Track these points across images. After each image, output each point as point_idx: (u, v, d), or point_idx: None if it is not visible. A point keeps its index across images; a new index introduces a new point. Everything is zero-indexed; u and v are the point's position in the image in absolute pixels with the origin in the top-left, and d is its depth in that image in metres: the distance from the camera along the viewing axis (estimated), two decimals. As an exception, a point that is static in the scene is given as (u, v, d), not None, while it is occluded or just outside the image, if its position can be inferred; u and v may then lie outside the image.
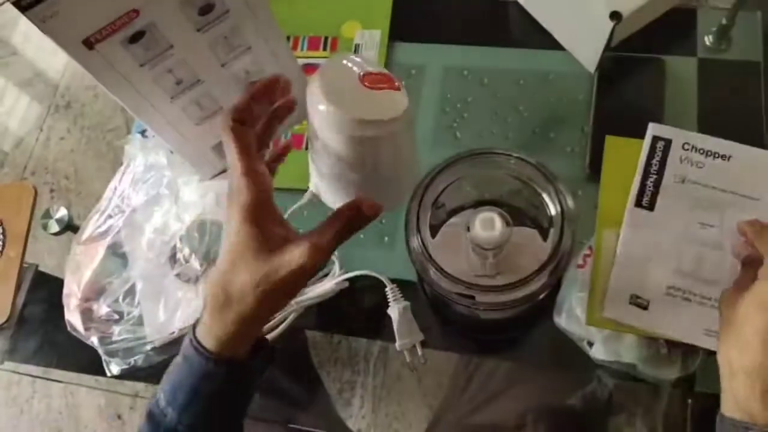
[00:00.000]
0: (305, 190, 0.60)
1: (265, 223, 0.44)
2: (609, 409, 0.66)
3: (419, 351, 0.65)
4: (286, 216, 0.65)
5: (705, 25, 0.76)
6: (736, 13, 0.71)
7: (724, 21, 0.72)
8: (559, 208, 0.56)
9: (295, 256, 0.43)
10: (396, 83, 0.50)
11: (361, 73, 0.49)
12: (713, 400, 0.61)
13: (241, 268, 0.43)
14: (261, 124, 0.54)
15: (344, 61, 0.51)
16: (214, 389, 0.46)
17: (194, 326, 0.46)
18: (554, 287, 0.62)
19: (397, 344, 0.65)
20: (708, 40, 0.75)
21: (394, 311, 0.65)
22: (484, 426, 0.70)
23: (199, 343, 0.45)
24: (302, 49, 0.83)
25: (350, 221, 0.46)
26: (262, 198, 0.45)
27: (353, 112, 0.48)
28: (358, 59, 0.51)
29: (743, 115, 0.72)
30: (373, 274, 0.68)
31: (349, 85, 0.49)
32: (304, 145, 0.78)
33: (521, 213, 0.63)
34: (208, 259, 0.70)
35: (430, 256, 0.56)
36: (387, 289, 0.66)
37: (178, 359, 0.47)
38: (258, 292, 0.43)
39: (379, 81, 0.50)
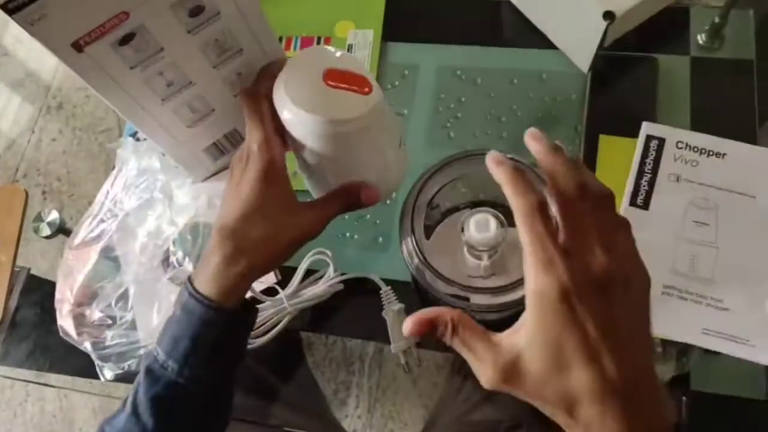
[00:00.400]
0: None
1: (279, 184, 0.48)
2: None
3: (414, 353, 0.65)
4: None
5: (698, 24, 0.76)
6: (728, 12, 0.71)
7: (716, 19, 0.72)
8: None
9: (306, 219, 0.49)
10: (364, 80, 0.50)
11: (324, 72, 0.49)
12: (708, 398, 0.62)
13: (256, 223, 0.47)
14: None
15: (311, 57, 0.50)
16: (214, 337, 0.48)
17: (189, 279, 0.49)
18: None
19: (391, 347, 0.65)
20: (701, 38, 0.75)
21: (388, 314, 0.65)
22: (480, 425, 0.70)
23: (199, 293, 0.47)
24: (295, 49, 0.83)
25: (350, 201, 0.51)
26: (278, 162, 0.48)
27: (314, 112, 0.48)
28: (328, 53, 0.51)
29: (736, 112, 0.72)
30: (368, 276, 0.67)
31: (311, 84, 0.49)
32: None
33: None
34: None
35: (424, 258, 0.56)
36: (381, 292, 0.66)
37: (175, 314, 0.49)
38: (272, 245, 0.48)
39: (344, 79, 0.49)
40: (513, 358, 0.35)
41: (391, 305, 0.66)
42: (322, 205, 0.51)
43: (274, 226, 0.48)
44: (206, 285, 0.48)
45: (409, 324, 0.39)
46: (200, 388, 0.49)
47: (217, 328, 0.48)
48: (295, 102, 0.48)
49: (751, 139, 0.69)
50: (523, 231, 0.35)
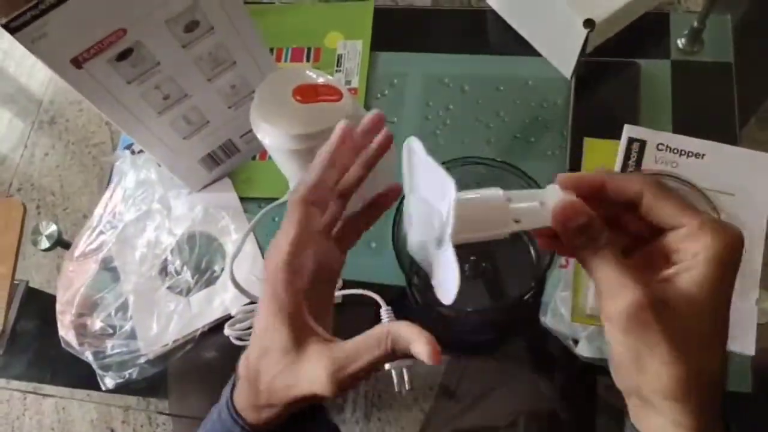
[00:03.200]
0: (275, 199, 0.61)
1: (296, 323, 0.38)
2: (597, 407, 0.67)
3: (405, 377, 0.65)
4: (256, 218, 0.64)
5: (677, 29, 0.77)
6: (706, 16, 0.72)
7: (695, 24, 0.74)
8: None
9: (309, 378, 0.37)
10: (333, 89, 0.51)
11: (294, 89, 0.50)
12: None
13: (268, 361, 0.39)
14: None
15: (281, 78, 0.52)
16: None
17: (232, 386, 0.42)
18: (539, 288, 0.64)
19: (386, 364, 0.65)
20: (680, 42, 0.76)
21: None
22: (475, 427, 0.71)
23: (235, 409, 0.41)
24: (286, 61, 0.84)
25: (386, 355, 0.37)
26: (296, 301, 0.39)
27: (286, 129, 0.49)
28: (295, 73, 0.52)
29: (717, 114, 0.74)
30: (369, 293, 0.68)
31: (282, 102, 0.50)
32: (268, 156, 0.79)
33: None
34: (200, 271, 0.70)
35: (417, 266, 0.57)
36: (382, 311, 0.67)
37: (213, 415, 0.43)
38: (278, 394, 0.38)
39: (314, 93, 0.50)
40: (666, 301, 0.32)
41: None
42: (343, 362, 0.37)
43: (280, 373, 0.38)
44: (242, 402, 0.41)
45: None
46: None
47: None
48: (271, 122, 0.49)
49: (732, 140, 0.71)
50: (674, 202, 0.34)
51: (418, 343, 0.36)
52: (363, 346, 0.37)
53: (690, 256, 0.33)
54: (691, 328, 0.32)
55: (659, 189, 0.35)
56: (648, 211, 0.35)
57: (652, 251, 0.36)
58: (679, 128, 0.70)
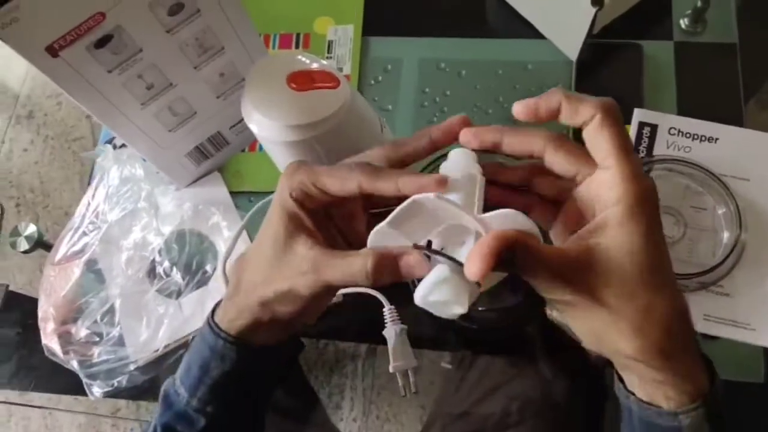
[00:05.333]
0: (268, 193, 0.58)
1: (293, 221, 0.39)
2: (605, 401, 0.66)
3: (411, 378, 0.64)
4: (249, 214, 0.64)
5: (680, 9, 0.76)
6: (710, -5, 0.71)
7: (698, 4, 0.72)
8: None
9: (290, 271, 0.39)
10: (329, 75, 0.48)
11: (288, 76, 0.47)
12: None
13: (257, 252, 0.41)
14: None
15: (273, 64, 0.49)
16: (225, 369, 0.43)
17: (216, 304, 0.45)
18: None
19: (390, 366, 0.63)
20: (683, 23, 0.75)
21: (390, 333, 0.64)
22: (479, 423, 0.70)
23: (214, 321, 0.43)
24: (273, 48, 0.81)
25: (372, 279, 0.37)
26: (298, 209, 0.40)
27: (281, 119, 0.46)
28: (290, 59, 0.50)
29: (721, 96, 0.72)
30: (372, 293, 0.66)
31: (276, 91, 0.47)
32: (258, 146, 0.75)
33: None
34: (190, 271, 0.67)
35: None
36: (385, 310, 0.65)
37: (196, 338, 0.45)
38: (257, 289, 0.40)
39: (310, 80, 0.48)
40: (596, 260, 0.33)
41: (394, 324, 0.64)
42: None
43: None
44: (223, 315, 0.43)
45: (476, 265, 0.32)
46: (211, 423, 0.44)
47: (227, 361, 0.43)
48: (264, 113, 0.46)
49: (738, 121, 0.70)
50: (611, 138, 0.34)
51: (407, 258, 0.36)
52: (345, 268, 0.37)
53: (610, 205, 0.34)
54: (624, 282, 0.33)
55: (560, 140, 0.36)
56: (553, 163, 0.36)
57: (567, 210, 0.37)
58: (684, 111, 0.69)
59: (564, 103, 0.35)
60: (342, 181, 0.37)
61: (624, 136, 0.34)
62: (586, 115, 0.34)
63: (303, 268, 0.38)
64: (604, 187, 0.34)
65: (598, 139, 0.34)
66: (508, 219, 0.34)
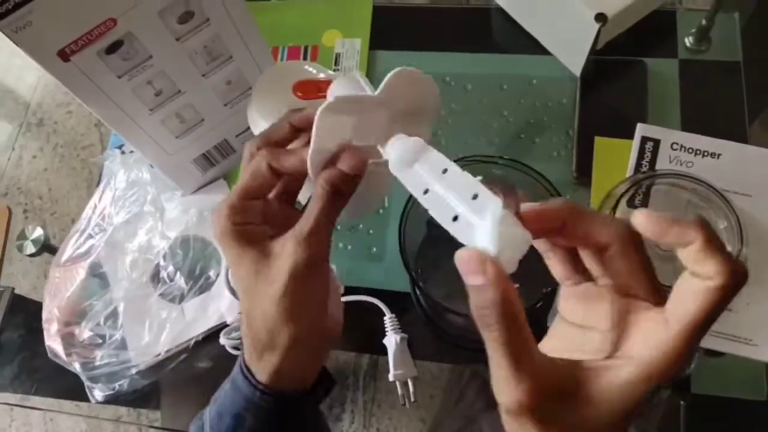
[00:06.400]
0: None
1: (248, 237, 0.40)
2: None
3: (411, 387, 0.63)
4: None
5: (685, 27, 0.76)
6: (714, 15, 0.72)
7: (703, 22, 0.73)
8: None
9: (282, 261, 0.38)
10: None
11: (294, 85, 0.48)
12: (708, 401, 0.61)
13: (247, 283, 0.39)
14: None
15: (279, 73, 0.50)
16: (261, 420, 0.42)
17: (242, 352, 0.43)
18: (551, 294, 0.61)
19: (390, 375, 0.63)
20: (688, 41, 0.75)
21: (390, 341, 0.64)
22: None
23: (248, 369, 0.42)
24: (282, 59, 0.82)
25: (330, 196, 0.38)
26: (239, 222, 0.40)
27: None
28: (295, 67, 0.50)
29: (726, 114, 0.73)
30: (373, 300, 0.66)
31: (282, 99, 0.48)
32: None
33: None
34: (194, 276, 0.68)
35: (418, 275, 0.54)
36: (386, 318, 0.65)
37: (226, 384, 0.44)
38: (268, 311, 0.39)
39: (315, 89, 0.48)
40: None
41: (395, 332, 0.64)
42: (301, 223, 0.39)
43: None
44: (255, 364, 0.42)
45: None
46: None
47: (262, 412, 0.42)
48: (270, 120, 0.47)
49: (742, 139, 0.70)
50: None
51: (341, 162, 0.37)
52: (310, 208, 0.37)
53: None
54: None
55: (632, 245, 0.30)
56: (612, 264, 0.30)
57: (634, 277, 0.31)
58: (688, 128, 0.69)
59: (571, 221, 0.30)
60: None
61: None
62: (598, 239, 0.30)
63: (289, 252, 0.37)
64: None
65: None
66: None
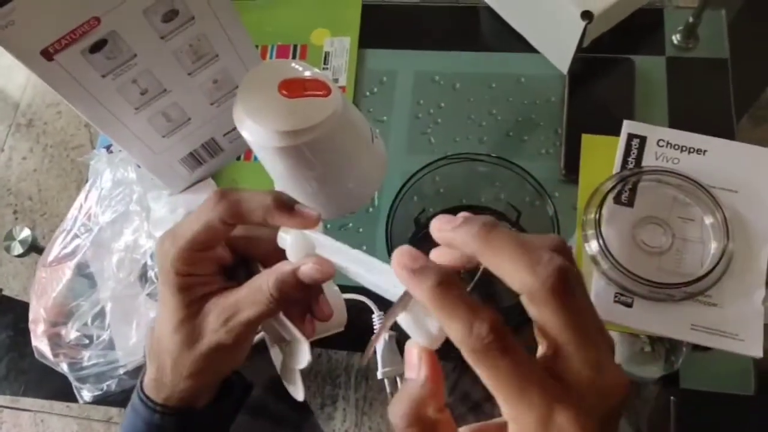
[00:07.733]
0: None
1: (183, 288, 0.38)
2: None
3: (400, 385, 0.63)
4: None
5: (672, 25, 0.77)
6: (701, 12, 0.72)
7: (690, 20, 0.73)
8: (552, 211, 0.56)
9: (206, 329, 0.38)
10: (321, 84, 0.49)
11: (280, 83, 0.48)
12: (697, 396, 0.62)
13: (167, 327, 0.39)
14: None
15: (266, 71, 0.50)
16: None
17: (142, 375, 0.42)
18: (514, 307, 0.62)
19: (378, 372, 0.63)
20: (675, 39, 0.76)
21: (379, 339, 0.64)
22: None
23: (144, 393, 0.41)
24: (271, 58, 0.82)
25: (271, 303, 0.37)
26: (180, 271, 0.38)
27: (271, 125, 0.47)
28: (281, 66, 0.50)
29: (713, 111, 0.73)
30: (362, 299, 0.66)
31: (267, 97, 0.48)
32: (254, 156, 0.76)
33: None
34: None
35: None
36: (374, 316, 0.65)
37: (128, 408, 0.42)
38: (182, 359, 0.39)
39: (301, 88, 0.48)
40: None
41: (384, 330, 0.64)
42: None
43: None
44: (151, 385, 0.41)
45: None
46: None
47: None
48: (255, 118, 0.47)
49: (730, 136, 0.70)
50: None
51: (304, 267, 0.36)
52: (249, 297, 0.37)
53: None
54: None
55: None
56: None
57: None
58: (675, 125, 0.69)
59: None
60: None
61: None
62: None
63: (216, 325, 0.37)
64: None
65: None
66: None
